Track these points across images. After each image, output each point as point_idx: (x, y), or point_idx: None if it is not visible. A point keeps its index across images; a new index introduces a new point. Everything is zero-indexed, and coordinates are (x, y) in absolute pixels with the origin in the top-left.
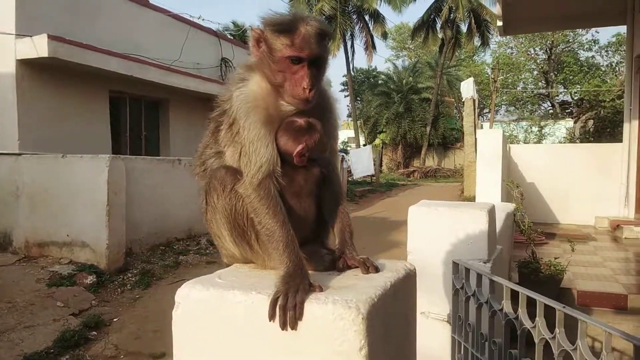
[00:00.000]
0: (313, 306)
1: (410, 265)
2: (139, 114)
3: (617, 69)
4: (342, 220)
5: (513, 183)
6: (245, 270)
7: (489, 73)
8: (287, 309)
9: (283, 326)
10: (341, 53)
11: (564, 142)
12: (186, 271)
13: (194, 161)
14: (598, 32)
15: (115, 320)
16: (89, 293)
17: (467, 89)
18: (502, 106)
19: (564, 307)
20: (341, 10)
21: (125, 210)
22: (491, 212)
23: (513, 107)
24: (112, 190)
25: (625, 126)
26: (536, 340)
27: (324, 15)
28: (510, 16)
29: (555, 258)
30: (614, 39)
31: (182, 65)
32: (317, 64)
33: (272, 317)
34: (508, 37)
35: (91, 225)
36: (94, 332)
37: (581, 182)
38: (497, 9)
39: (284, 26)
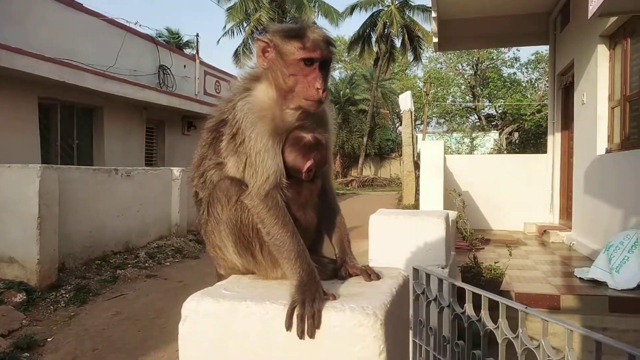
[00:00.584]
0: (331, 314)
1: (404, 272)
2: (71, 122)
3: (536, 85)
4: (340, 230)
5: (455, 191)
6: (247, 281)
7: (421, 86)
8: (305, 317)
9: (301, 335)
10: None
11: (493, 153)
12: (125, 286)
13: (190, 173)
14: (519, 50)
15: (49, 340)
16: (18, 312)
17: (405, 101)
18: (433, 118)
19: (526, 307)
20: (279, 21)
21: (58, 223)
22: (447, 220)
23: (443, 120)
24: (44, 202)
25: (550, 138)
26: (499, 341)
27: (262, 25)
28: (445, 34)
29: (495, 262)
30: (533, 57)
31: (118, 71)
32: (324, 68)
33: (289, 326)
34: (438, 53)
35: (20, 240)
36: (27, 354)
37: (511, 190)
38: (432, 27)
39: (295, 32)
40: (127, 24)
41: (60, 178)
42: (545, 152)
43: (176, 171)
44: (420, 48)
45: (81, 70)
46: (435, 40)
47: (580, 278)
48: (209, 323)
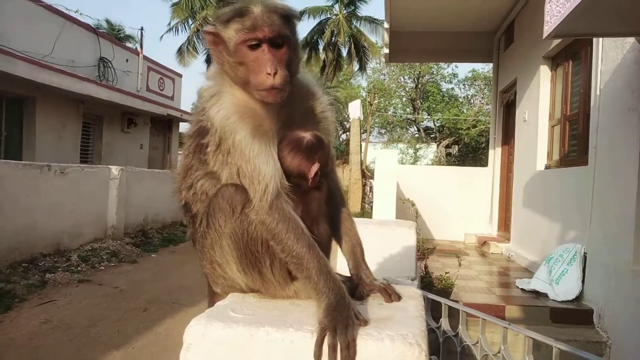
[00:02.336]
0: (368, 344)
1: (417, 290)
2: None
3: (472, 101)
4: (352, 238)
5: (409, 201)
6: (253, 300)
7: (364, 96)
8: (338, 348)
9: None
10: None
11: (434, 164)
12: (55, 291)
13: (176, 185)
14: (457, 67)
15: None
16: None
17: (354, 110)
18: (375, 128)
19: (509, 324)
20: None
21: None
22: (416, 230)
23: (384, 130)
24: None
25: (491, 152)
26: (478, 357)
27: (208, 24)
28: (395, 45)
29: (446, 273)
30: (470, 74)
31: (54, 61)
32: (279, 46)
33: (319, 358)
34: (382, 64)
35: None
36: None
37: (453, 201)
38: (383, 37)
39: (233, 12)
40: (67, 12)
41: None
42: (485, 165)
43: (114, 170)
44: (366, 58)
45: (12, 56)
46: (386, 51)
47: (522, 289)
48: (221, 352)
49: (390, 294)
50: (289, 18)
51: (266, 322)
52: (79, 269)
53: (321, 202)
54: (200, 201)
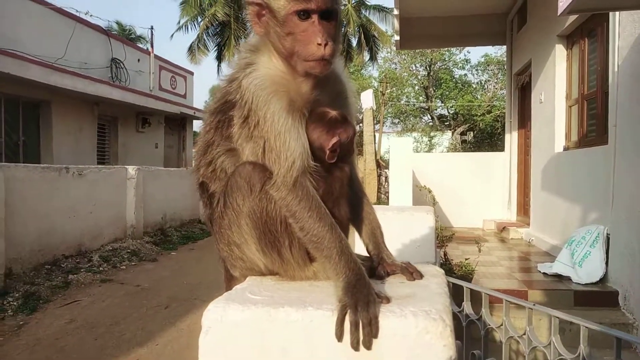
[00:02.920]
0: (390, 320)
1: (439, 268)
2: (16, 117)
3: (485, 86)
4: (371, 222)
5: (426, 188)
6: (271, 282)
7: (376, 86)
8: (360, 325)
9: (357, 346)
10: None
11: (450, 152)
12: (78, 291)
13: (195, 161)
14: (470, 52)
15: None
16: None
17: (367, 100)
18: (388, 118)
19: (534, 304)
20: (235, 16)
21: (4, 225)
22: (434, 215)
23: (397, 120)
24: None
25: (507, 137)
26: (503, 340)
27: (217, 21)
28: (405, 32)
29: (466, 259)
30: (483, 59)
31: (67, 64)
32: (328, 19)
33: (341, 336)
34: (393, 53)
35: None
36: None
37: (470, 187)
38: (394, 25)
39: None
40: (77, 14)
41: (5, 177)
42: (501, 150)
43: (131, 170)
44: (376, 48)
45: (26, 60)
46: (397, 38)
47: (544, 273)
48: (239, 334)
49: (412, 272)
50: None
51: (285, 302)
52: (100, 269)
53: (343, 184)
54: (219, 179)
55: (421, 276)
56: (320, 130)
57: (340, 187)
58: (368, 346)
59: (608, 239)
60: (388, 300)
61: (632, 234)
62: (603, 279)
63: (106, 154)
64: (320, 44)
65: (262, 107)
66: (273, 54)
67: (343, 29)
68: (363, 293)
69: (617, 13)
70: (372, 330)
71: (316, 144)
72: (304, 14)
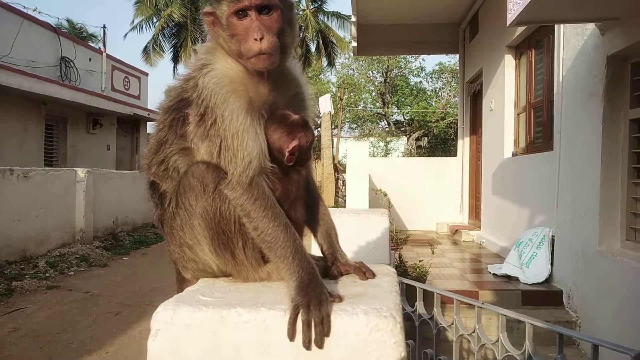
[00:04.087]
0: (342, 318)
1: (391, 268)
2: None
3: (439, 93)
4: (326, 223)
5: (382, 191)
6: (224, 284)
7: (334, 91)
8: (313, 324)
9: (309, 345)
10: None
11: (405, 157)
12: (23, 299)
13: (145, 159)
14: (424, 60)
15: None
16: None
17: (325, 104)
18: (346, 123)
19: (482, 303)
20: (192, 18)
21: None
22: (389, 218)
23: (355, 124)
24: None
25: (459, 143)
26: (454, 339)
27: (174, 22)
28: (362, 39)
29: (420, 261)
30: (437, 67)
31: (13, 62)
32: (268, 13)
33: (293, 335)
34: (350, 59)
35: None
36: None
37: (424, 191)
38: (351, 31)
39: None
40: (25, 10)
41: None
42: (454, 155)
43: (81, 172)
44: (334, 53)
45: None
46: (355, 44)
47: (494, 274)
48: (190, 336)
49: (365, 272)
50: None
51: (237, 303)
52: (47, 275)
53: (300, 186)
54: (171, 179)
55: (374, 275)
56: (281, 132)
57: (297, 189)
58: (320, 345)
59: (553, 240)
60: (340, 299)
61: (575, 235)
62: (548, 279)
63: (54, 155)
64: (256, 39)
65: (220, 105)
66: (228, 56)
67: (301, 33)
68: (316, 292)
69: (562, 25)
70: (324, 329)
71: (276, 145)
72: (241, 13)
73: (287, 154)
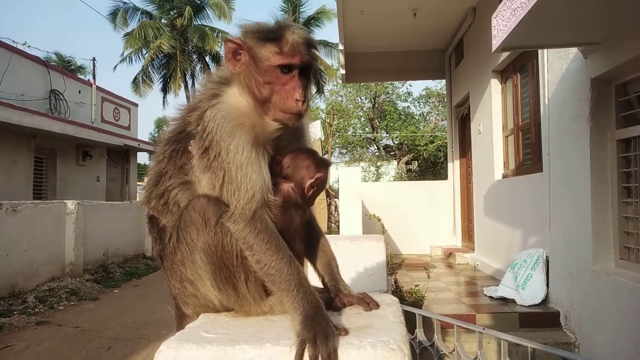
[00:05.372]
0: (349, 353)
1: (394, 297)
2: None
3: (427, 117)
4: (327, 254)
5: (375, 216)
6: (226, 319)
7: (324, 118)
8: (320, 359)
9: None
10: (182, 92)
11: (396, 180)
12: (11, 335)
13: (145, 192)
14: (412, 86)
15: None
16: None
17: (315, 131)
18: (336, 148)
19: (483, 329)
20: (181, 49)
21: None
22: (385, 244)
23: (345, 150)
24: None
25: (450, 166)
26: None
27: (163, 53)
28: (350, 66)
29: (416, 286)
30: (424, 92)
31: (2, 95)
32: (306, 75)
33: None
34: (339, 86)
35: None
36: None
37: (417, 215)
38: (339, 59)
39: (272, 33)
40: (14, 45)
41: None
42: (445, 178)
43: (70, 204)
44: (323, 81)
45: None
46: (343, 72)
47: (490, 297)
48: None
49: (369, 302)
50: (315, 50)
51: (241, 339)
52: (36, 310)
53: (301, 218)
54: (171, 213)
55: (377, 306)
56: (309, 164)
57: (299, 225)
58: None
59: (547, 261)
60: (346, 332)
61: (569, 256)
62: (545, 300)
63: (43, 188)
64: (299, 100)
65: (227, 139)
66: (242, 90)
67: None
68: (322, 326)
69: (545, 50)
70: None
71: (299, 176)
72: (287, 69)
73: (308, 185)
